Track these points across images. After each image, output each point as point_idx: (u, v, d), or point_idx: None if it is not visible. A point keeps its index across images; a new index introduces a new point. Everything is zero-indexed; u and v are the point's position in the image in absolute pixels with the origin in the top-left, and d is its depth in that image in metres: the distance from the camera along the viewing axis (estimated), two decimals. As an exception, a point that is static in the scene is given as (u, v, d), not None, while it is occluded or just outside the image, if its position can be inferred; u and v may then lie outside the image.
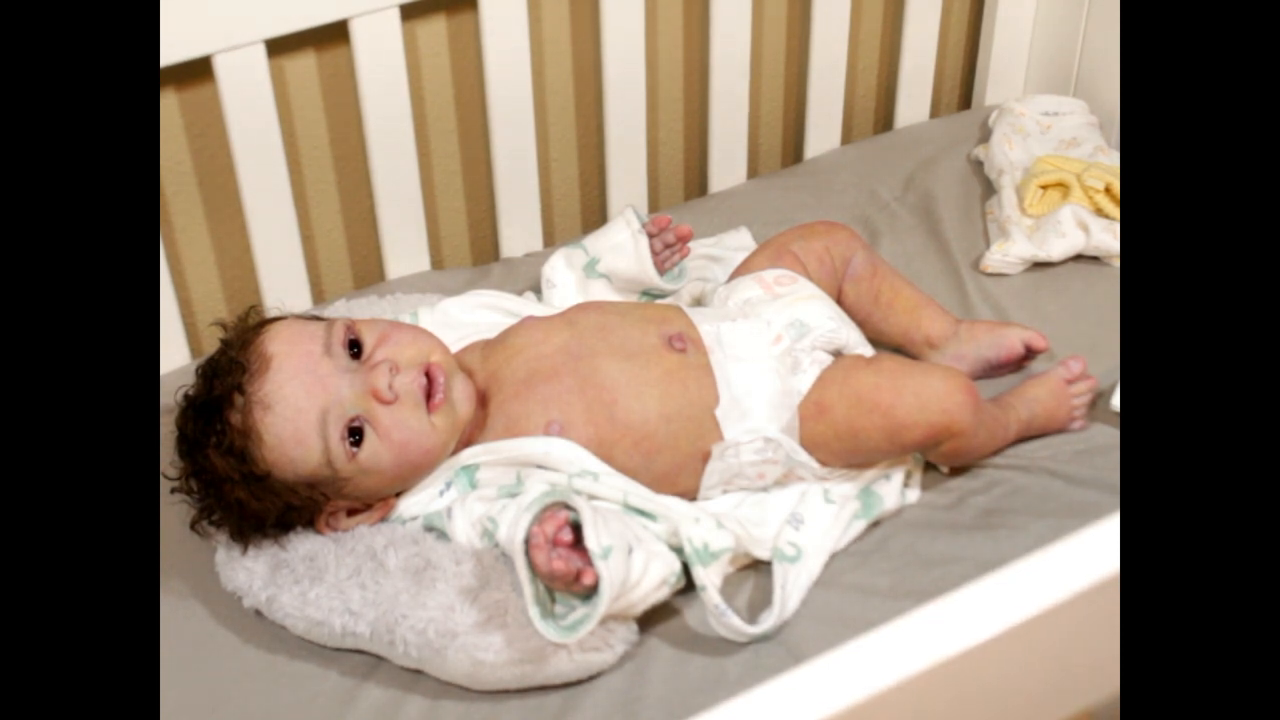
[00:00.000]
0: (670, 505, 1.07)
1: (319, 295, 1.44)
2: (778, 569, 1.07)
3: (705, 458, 1.10)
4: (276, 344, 1.05)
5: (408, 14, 1.33)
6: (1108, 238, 1.39)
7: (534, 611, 0.97)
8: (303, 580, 1.04)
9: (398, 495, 1.10)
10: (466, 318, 1.24)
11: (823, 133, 1.61)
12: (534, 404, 1.09)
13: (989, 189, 1.51)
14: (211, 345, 1.18)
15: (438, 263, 1.50)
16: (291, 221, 1.32)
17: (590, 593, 0.98)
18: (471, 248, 1.52)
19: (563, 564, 0.96)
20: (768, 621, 1.03)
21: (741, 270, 1.25)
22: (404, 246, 1.40)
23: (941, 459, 1.16)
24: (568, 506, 1.00)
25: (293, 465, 1.03)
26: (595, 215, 1.57)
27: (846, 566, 1.10)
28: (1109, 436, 1.21)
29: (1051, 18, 1.61)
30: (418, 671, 1.03)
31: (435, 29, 1.37)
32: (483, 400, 1.11)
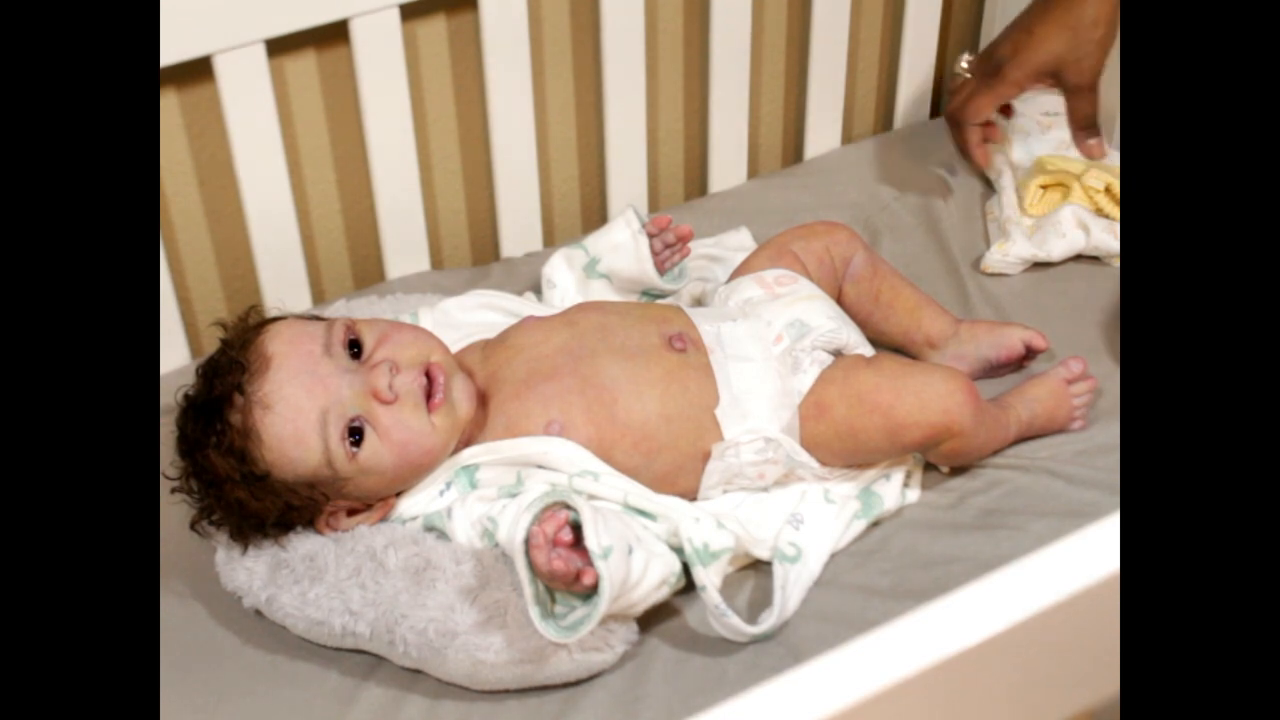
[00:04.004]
0: (670, 505, 1.07)
1: (319, 295, 1.44)
2: (778, 569, 1.07)
3: (705, 458, 1.10)
4: (276, 344, 1.05)
5: (408, 14, 1.33)
6: (1108, 238, 1.39)
7: (534, 611, 0.97)
8: (303, 580, 1.04)
9: (398, 495, 1.10)
10: (466, 318, 1.24)
11: (823, 133, 1.61)
12: (534, 404, 1.09)
13: (989, 189, 1.51)
14: (211, 345, 1.18)
15: (438, 263, 1.50)
16: (291, 221, 1.32)
17: (590, 593, 0.98)
18: (471, 248, 1.52)
19: (563, 564, 0.96)
20: (768, 621, 1.03)
21: (742, 270, 1.25)
22: (404, 246, 1.40)
23: (941, 459, 1.16)
24: (568, 506, 1.00)
25: (293, 465, 1.03)
26: (595, 215, 1.57)
27: (846, 566, 1.10)
28: (1109, 436, 1.21)
29: (1051, 18, 1.61)
30: (418, 671, 1.03)
31: (435, 29, 1.37)
32: (483, 400, 1.11)
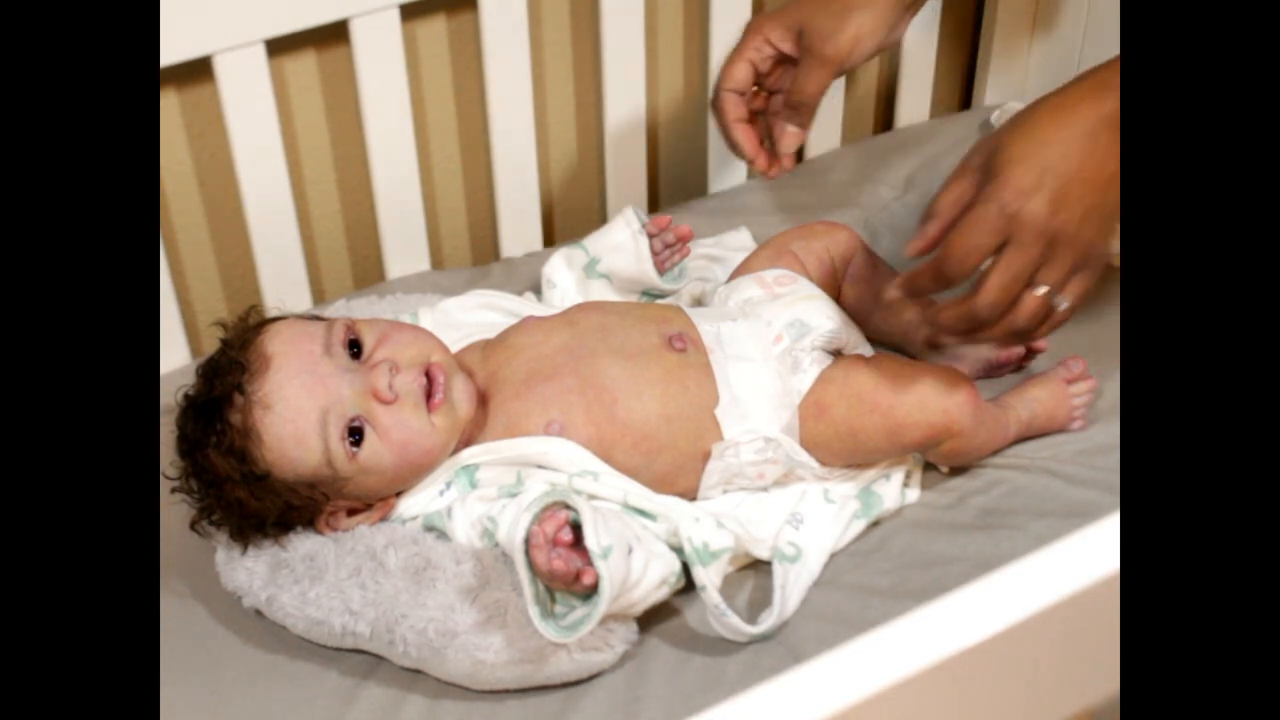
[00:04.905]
0: (670, 505, 1.07)
1: (319, 295, 1.44)
2: (778, 569, 1.07)
3: (705, 457, 1.10)
4: (276, 344, 1.05)
5: (408, 14, 1.33)
6: (1107, 237, 1.39)
7: (534, 611, 0.97)
8: (303, 580, 1.04)
9: (398, 495, 1.10)
10: (467, 318, 1.24)
11: (823, 133, 1.61)
12: (534, 404, 1.09)
13: (989, 189, 1.51)
14: (211, 345, 1.18)
15: (438, 263, 1.50)
16: (291, 221, 1.32)
17: (590, 592, 0.98)
18: (471, 248, 1.52)
19: (563, 564, 0.96)
20: (768, 621, 1.03)
21: (741, 270, 1.25)
22: (404, 246, 1.40)
23: (941, 459, 1.16)
24: (568, 506, 1.00)
25: (293, 465, 1.03)
26: (595, 215, 1.57)
27: (846, 566, 1.10)
28: (1109, 436, 1.21)
29: (1051, 18, 1.61)
30: (418, 671, 1.03)
31: (435, 29, 1.37)
32: (483, 400, 1.11)
